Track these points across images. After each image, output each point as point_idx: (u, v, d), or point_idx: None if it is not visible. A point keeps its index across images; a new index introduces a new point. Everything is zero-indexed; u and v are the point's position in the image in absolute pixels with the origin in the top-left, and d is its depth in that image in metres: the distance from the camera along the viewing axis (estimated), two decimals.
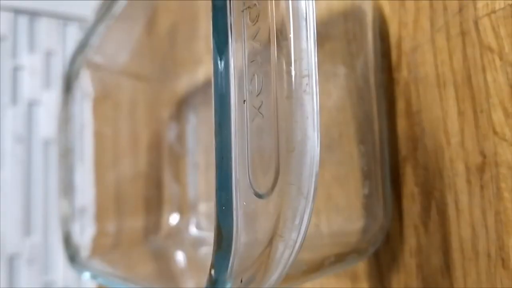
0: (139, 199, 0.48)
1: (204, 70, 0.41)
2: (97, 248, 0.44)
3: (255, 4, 0.14)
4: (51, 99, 0.60)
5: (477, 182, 0.19)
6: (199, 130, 0.42)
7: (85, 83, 0.43)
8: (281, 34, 0.14)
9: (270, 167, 0.14)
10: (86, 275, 0.35)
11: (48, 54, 0.61)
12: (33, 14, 0.61)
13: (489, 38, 0.19)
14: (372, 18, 0.23)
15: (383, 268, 0.23)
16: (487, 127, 0.19)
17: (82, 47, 0.40)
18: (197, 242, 0.42)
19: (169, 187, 0.45)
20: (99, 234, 0.46)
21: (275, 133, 0.13)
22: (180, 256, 0.43)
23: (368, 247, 0.21)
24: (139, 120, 0.50)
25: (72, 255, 0.40)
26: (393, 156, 0.23)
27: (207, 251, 0.42)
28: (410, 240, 0.22)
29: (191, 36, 0.44)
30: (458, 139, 0.20)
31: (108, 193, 0.50)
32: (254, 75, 0.14)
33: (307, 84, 0.13)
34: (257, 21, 0.14)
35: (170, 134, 0.46)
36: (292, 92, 0.13)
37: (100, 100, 0.49)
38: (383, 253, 0.23)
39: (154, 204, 0.48)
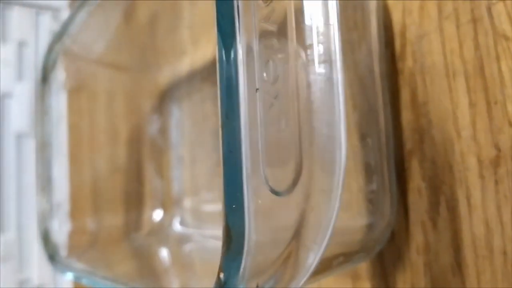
0: (119, 195, 0.47)
1: (188, 61, 0.40)
2: (74, 246, 0.42)
3: None
4: (24, 91, 0.57)
5: (491, 177, 0.18)
6: (183, 123, 0.40)
7: (62, 73, 0.41)
8: (300, 15, 0.12)
9: (289, 161, 0.12)
10: (69, 275, 0.33)
11: (21, 45, 0.58)
12: (5, 3, 0.58)
13: (504, 25, 0.18)
14: (376, 5, 0.22)
15: (388, 266, 0.22)
16: (501, 119, 0.18)
17: (59, 35, 0.38)
18: (182, 239, 0.41)
19: (152, 182, 0.44)
20: (76, 232, 0.44)
21: (295, 124, 0.12)
22: (164, 253, 0.42)
23: (375, 245, 0.20)
24: (118, 113, 0.48)
25: (52, 254, 0.38)
26: (398, 149, 0.22)
27: (191, 248, 0.41)
28: (417, 237, 0.21)
29: (173, 25, 0.42)
30: (470, 131, 0.19)
31: (84, 188, 0.48)
32: (268, 61, 0.13)
33: (330, 71, 0.12)
34: (270, 1, 0.13)
35: (152, 127, 0.44)
36: (314, 80, 0.12)
37: (76, 92, 0.47)
38: (387, 251, 0.22)
39: (135, 200, 0.46)
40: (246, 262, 0.14)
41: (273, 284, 0.13)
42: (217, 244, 0.38)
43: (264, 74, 0.13)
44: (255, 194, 0.14)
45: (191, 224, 0.41)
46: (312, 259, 0.12)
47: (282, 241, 0.13)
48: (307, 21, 0.12)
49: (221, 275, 0.15)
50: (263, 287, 0.13)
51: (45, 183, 0.40)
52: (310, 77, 0.12)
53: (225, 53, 0.15)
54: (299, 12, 0.13)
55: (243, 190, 0.14)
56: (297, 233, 0.12)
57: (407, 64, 0.22)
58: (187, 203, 0.40)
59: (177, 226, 0.41)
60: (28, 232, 0.56)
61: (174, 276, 0.40)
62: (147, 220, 0.44)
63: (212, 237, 0.38)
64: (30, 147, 0.54)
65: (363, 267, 0.23)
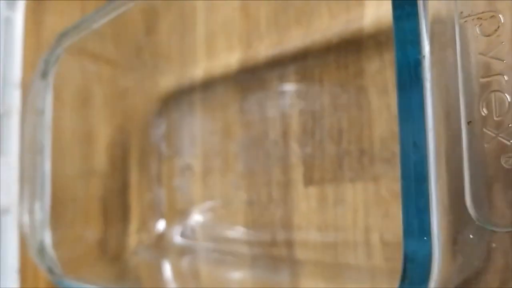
0: (93, 203, 0.43)
1: (201, 68, 0.38)
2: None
3: (492, 15, 0.13)
4: None
5: None
6: (194, 131, 0.39)
7: (62, 70, 0.38)
8: None
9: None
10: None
11: None
12: None
13: None
14: None
15: None
16: None
17: (70, 31, 0.35)
18: (184, 251, 0.39)
19: (153, 191, 0.41)
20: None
21: None
22: (165, 266, 0.40)
23: None
24: (96, 113, 0.45)
25: (50, 267, 0.35)
26: None
27: (193, 260, 0.39)
28: None
29: (181, 30, 0.41)
30: None
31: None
32: (491, 94, 0.13)
33: None
34: (497, 34, 0.13)
35: (153, 133, 0.42)
36: None
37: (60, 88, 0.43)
38: None
39: (116, 210, 0.43)
40: None
41: None
42: (222, 258, 0.37)
43: (484, 109, 0.13)
44: (453, 225, 0.13)
45: (192, 236, 0.39)
46: None
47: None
48: None
49: None
50: None
51: (38, 190, 0.37)
52: None
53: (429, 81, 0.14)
54: None
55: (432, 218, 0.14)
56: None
57: None
58: (195, 214, 0.38)
59: (178, 237, 0.40)
60: None
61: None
62: (131, 234, 0.42)
63: (217, 250, 0.36)
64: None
65: None
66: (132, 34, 0.42)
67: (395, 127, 0.26)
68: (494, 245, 0.13)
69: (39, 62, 0.36)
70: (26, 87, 0.47)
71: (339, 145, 0.28)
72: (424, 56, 0.14)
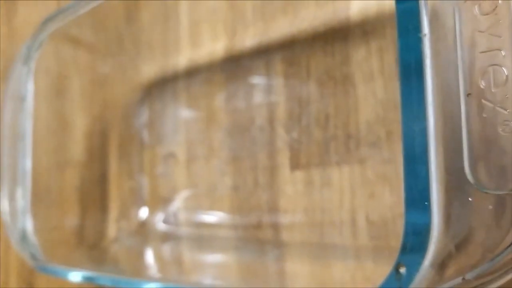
0: (70, 192, 0.43)
1: (185, 57, 0.39)
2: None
3: None
4: None
5: None
6: (178, 119, 0.39)
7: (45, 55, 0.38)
8: None
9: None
10: (76, 275, 0.31)
11: None
12: None
13: None
14: None
15: None
16: None
17: (54, 16, 0.35)
18: (166, 237, 0.40)
19: (135, 178, 0.42)
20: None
21: None
22: (148, 253, 0.40)
23: None
24: (74, 101, 0.45)
25: (33, 254, 0.35)
26: None
27: (176, 246, 0.40)
28: None
29: (164, 19, 0.41)
30: None
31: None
32: (489, 68, 0.14)
33: None
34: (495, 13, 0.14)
35: (135, 121, 0.42)
36: None
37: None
38: None
39: (95, 199, 0.43)
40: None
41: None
42: (206, 243, 0.38)
43: (482, 82, 0.14)
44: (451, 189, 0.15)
45: (179, 222, 0.39)
46: None
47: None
48: None
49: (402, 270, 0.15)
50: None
51: (20, 177, 0.36)
52: None
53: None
54: None
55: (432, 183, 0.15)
56: None
57: None
58: (179, 201, 0.39)
59: (161, 224, 0.40)
60: None
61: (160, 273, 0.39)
62: (111, 223, 0.42)
63: (201, 235, 0.37)
64: None
65: None
66: (113, 21, 0.42)
67: (381, 112, 0.28)
68: (490, 207, 0.14)
69: (22, 48, 0.36)
70: None
71: (326, 130, 0.29)
72: (425, 35, 0.15)
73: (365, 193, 0.28)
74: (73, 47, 0.42)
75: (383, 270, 0.27)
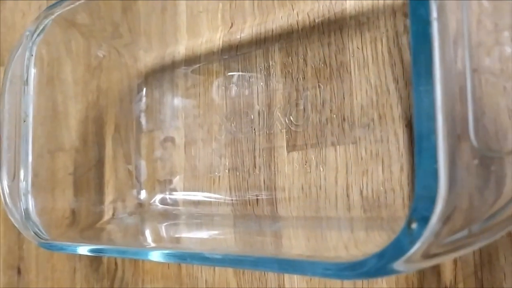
0: (66, 176, 0.44)
1: (183, 46, 0.40)
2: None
3: None
4: None
5: None
6: (176, 105, 0.41)
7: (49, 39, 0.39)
8: None
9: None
10: (83, 249, 0.32)
11: None
12: None
13: None
14: None
15: None
16: None
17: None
18: (162, 217, 0.41)
19: (133, 163, 0.43)
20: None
21: None
22: (147, 231, 0.42)
23: None
24: (68, 86, 0.46)
25: (37, 232, 0.36)
26: None
27: (175, 226, 0.41)
28: None
29: (161, 9, 0.42)
30: None
31: None
32: (494, 47, 0.17)
33: None
34: None
35: (133, 107, 0.44)
36: None
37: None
38: None
39: (91, 182, 0.44)
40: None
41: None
42: (204, 220, 0.39)
43: (487, 58, 0.17)
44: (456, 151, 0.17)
45: (177, 203, 0.41)
46: None
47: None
48: None
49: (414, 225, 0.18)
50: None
51: (23, 158, 0.37)
52: None
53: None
54: None
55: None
56: None
57: None
58: (177, 183, 0.41)
59: (158, 205, 0.42)
60: None
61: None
62: (107, 204, 0.43)
63: (199, 214, 0.39)
64: None
65: None
66: (111, 9, 0.44)
67: (374, 96, 0.30)
68: (493, 168, 0.17)
69: (24, 33, 0.37)
70: None
71: (322, 114, 0.32)
72: (435, 18, 0.17)
73: (359, 171, 0.30)
74: (71, 33, 0.43)
75: (375, 239, 0.30)
